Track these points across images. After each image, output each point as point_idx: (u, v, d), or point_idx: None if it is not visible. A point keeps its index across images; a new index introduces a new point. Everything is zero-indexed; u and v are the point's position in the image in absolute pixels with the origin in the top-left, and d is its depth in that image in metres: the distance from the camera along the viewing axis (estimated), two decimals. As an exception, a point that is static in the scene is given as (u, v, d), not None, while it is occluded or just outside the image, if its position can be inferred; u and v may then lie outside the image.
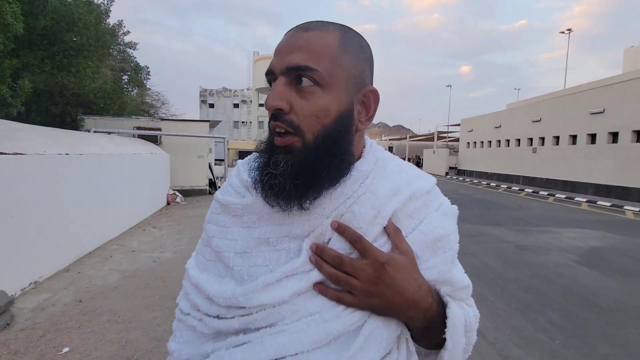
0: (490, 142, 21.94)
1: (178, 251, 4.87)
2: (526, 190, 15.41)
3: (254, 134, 36.21)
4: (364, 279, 0.49)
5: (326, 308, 0.50)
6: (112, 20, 7.74)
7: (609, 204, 11.17)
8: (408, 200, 0.55)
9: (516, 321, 3.13)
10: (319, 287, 0.51)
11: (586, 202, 11.89)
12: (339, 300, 0.50)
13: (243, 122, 44.79)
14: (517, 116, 19.12)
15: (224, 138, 11.68)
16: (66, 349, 2.42)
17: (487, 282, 4.06)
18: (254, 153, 0.58)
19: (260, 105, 37.93)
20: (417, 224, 0.55)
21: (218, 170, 13.44)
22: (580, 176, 14.31)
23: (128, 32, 13.29)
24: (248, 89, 43.71)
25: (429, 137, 37.64)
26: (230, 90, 45.72)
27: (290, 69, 0.49)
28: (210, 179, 11.02)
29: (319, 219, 0.52)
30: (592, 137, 14.02)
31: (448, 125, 31.98)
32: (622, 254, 5.39)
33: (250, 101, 41.14)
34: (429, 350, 0.58)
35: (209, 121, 10.99)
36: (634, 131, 12.11)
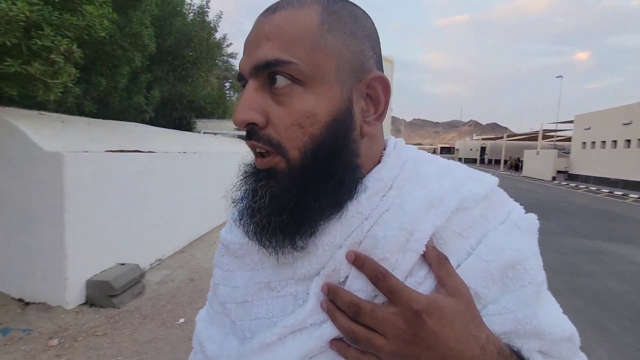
0: (615, 142, 18.23)
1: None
2: (668, 202, 12.37)
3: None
4: (393, 336, 0.35)
5: None
6: (218, 34, 8.86)
7: None
8: (455, 212, 0.39)
9: (655, 364, 2.54)
10: (337, 346, 0.37)
11: None
12: None
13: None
14: (657, 110, 15.47)
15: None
16: (182, 320, 2.84)
17: (610, 311, 3.39)
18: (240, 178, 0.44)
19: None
20: (473, 245, 0.39)
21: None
22: None
23: (230, 44, 15.01)
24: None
25: (531, 137, 33.14)
26: None
27: (258, 68, 0.36)
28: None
29: (328, 252, 0.39)
30: None
31: (557, 123, 27.62)
32: None
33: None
34: None
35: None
36: None
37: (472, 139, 58.01)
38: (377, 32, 0.42)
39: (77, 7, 2.56)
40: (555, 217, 8.49)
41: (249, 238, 0.40)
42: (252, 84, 0.37)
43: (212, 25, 8.10)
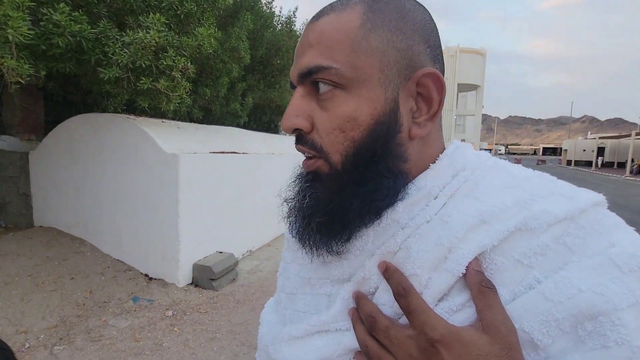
0: None
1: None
2: None
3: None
4: (403, 359, 0.32)
5: None
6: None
7: None
8: (515, 232, 0.32)
9: None
10: (358, 358, 0.36)
11: None
12: None
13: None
14: None
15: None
16: (269, 308, 3.09)
17: None
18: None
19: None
20: (539, 279, 0.31)
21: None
22: None
23: (314, 49, 15.72)
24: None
25: (674, 134, 26.54)
26: None
27: (303, 75, 0.37)
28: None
29: (359, 257, 0.38)
30: None
31: None
32: None
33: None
34: None
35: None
36: None
37: (586, 138, 49.25)
38: (432, 23, 0.39)
39: (191, 30, 3.00)
40: None
41: (293, 236, 0.42)
42: (299, 91, 0.38)
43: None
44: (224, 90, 5.42)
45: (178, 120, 5.06)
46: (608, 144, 41.38)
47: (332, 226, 0.37)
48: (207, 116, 6.16)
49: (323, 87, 0.36)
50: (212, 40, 3.08)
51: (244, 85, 6.66)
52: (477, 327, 0.30)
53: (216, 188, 3.82)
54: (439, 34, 0.41)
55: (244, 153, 4.39)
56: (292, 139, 0.44)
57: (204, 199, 3.58)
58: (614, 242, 0.32)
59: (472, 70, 28.84)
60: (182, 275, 3.31)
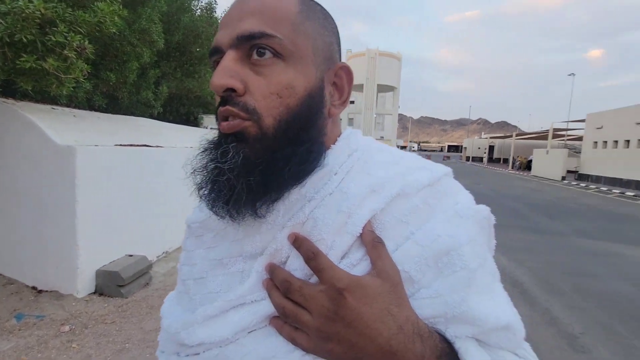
0: (627, 141, 17.89)
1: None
2: (681, 204, 12.12)
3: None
4: (317, 313, 0.36)
5: (282, 353, 0.38)
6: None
7: None
8: (395, 198, 0.40)
9: (659, 365, 2.53)
10: (275, 323, 0.39)
11: None
12: (293, 342, 0.37)
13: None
14: (671, 110, 15.12)
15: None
16: (188, 311, 2.91)
17: (616, 313, 3.37)
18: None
19: (351, 102, 38.30)
20: (412, 231, 0.40)
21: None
22: None
23: (238, 39, 15.09)
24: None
25: (541, 135, 32.63)
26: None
27: (241, 38, 0.38)
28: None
29: (271, 232, 0.41)
30: None
31: (568, 122, 27.18)
32: None
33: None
34: None
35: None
36: None
37: (481, 138, 57.35)
38: (339, 33, 0.47)
39: (89, 4, 2.62)
40: (563, 218, 8.40)
41: (210, 205, 0.41)
42: (231, 54, 0.39)
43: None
44: (132, 76, 4.86)
45: (75, 108, 4.39)
46: (497, 143, 48.82)
47: (266, 185, 0.38)
48: (113, 105, 5.47)
49: (263, 54, 0.38)
50: (116, 18, 2.74)
51: (158, 73, 6.07)
52: (372, 274, 0.37)
53: (125, 185, 3.43)
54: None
55: (157, 146, 4.03)
56: (213, 133, 0.43)
57: (109, 198, 3.19)
58: (458, 200, 0.43)
59: (389, 72, 31.03)
60: (82, 284, 2.91)
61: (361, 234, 0.39)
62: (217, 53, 0.40)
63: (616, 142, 18.85)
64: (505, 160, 41.76)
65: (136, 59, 4.91)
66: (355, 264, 0.38)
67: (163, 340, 0.48)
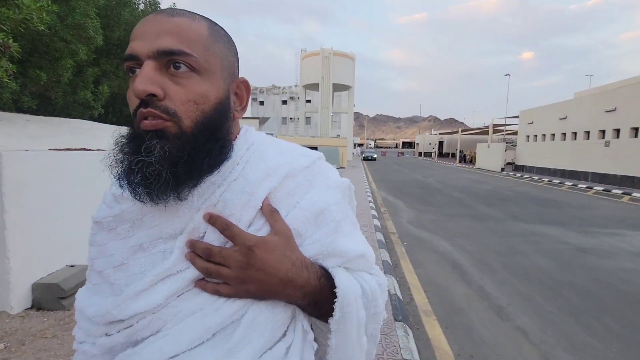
0: (553, 135, 20.06)
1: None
2: (595, 188, 13.91)
3: (301, 130, 36.95)
4: (234, 266, 0.47)
5: (207, 304, 0.47)
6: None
7: (700, 205, 9.68)
8: (284, 179, 0.54)
9: (567, 326, 2.97)
10: (199, 284, 0.48)
11: (670, 202, 10.43)
12: (217, 293, 0.48)
13: (291, 119, 46.16)
14: (586, 106, 17.24)
15: (272, 134, 12.20)
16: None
17: (537, 285, 3.85)
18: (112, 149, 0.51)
19: (308, 101, 38.48)
20: (297, 201, 0.54)
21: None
22: (665, 173, 12.55)
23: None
24: (296, 86, 44.65)
25: (484, 131, 35.36)
26: (279, 88, 47.21)
27: (161, 53, 0.46)
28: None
29: (188, 214, 0.50)
30: (681, 129, 12.18)
31: (505, 118, 29.77)
32: None
33: (298, 97, 41.95)
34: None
35: (258, 118, 11.53)
36: None
37: (431, 134, 60.58)
38: (237, 53, 0.58)
39: (13, 0, 2.43)
40: (499, 205, 9.26)
41: (134, 192, 0.47)
42: (150, 64, 0.46)
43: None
44: (67, 75, 4.54)
45: (-1, 109, 4.01)
46: (445, 138, 51.92)
47: (185, 175, 0.47)
48: (45, 106, 5.05)
49: (181, 68, 0.46)
50: (44, 14, 2.57)
51: (97, 71, 5.70)
52: (272, 233, 0.50)
53: (63, 192, 3.23)
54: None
55: (98, 150, 3.82)
56: (124, 130, 0.51)
57: (44, 206, 2.98)
58: (328, 176, 0.59)
59: (344, 72, 31.67)
60: (17, 300, 2.71)
61: (261, 207, 0.51)
62: (132, 60, 0.47)
63: (544, 135, 21.05)
64: (454, 155, 44.56)
65: (71, 56, 4.59)
66: (259, 229, 0.51)
67: (83, 331, 0.53)
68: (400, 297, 3.32)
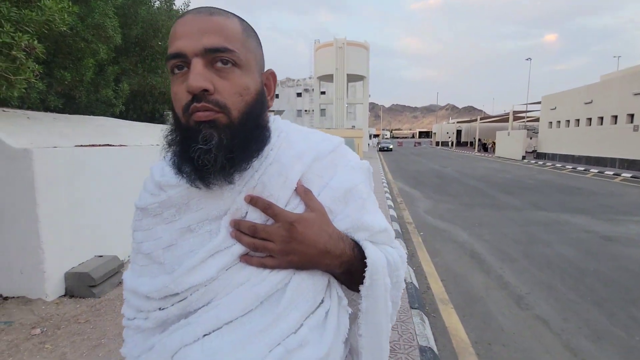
0: (578, 120, 19.23)
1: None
2: (623, 174, 13.30)
3: (316, 122, 36.91)
4: (279, 240, 0.53)
5: (254, 275, 0.53)
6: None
7: None
8: (313, 161, 0.60)
9: (590, 314, 2.90)
10: (244, 258, 0.54)
11: None
12: (263, 265, 0.53)
13: (306, 111, 46.02)
14: (614, 89, 16.39)
15: (286, 127, 12.18)
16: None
17: (558, 273, 3.77)
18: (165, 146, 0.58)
19: (322, 93, 38.24)
20: (327, 181, 0.60)
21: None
22: (700, 158, 11.84)
23: (201, 32, 14.54)
24: (310, 78, 44.44)
25: (504, 118, 34.26)
26: (294, 80, 47.11)
27: (208, 51, 0.50)
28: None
29: (231, 197, 0.55)
30: None
31: (527, 104, 28.70)
32: None
33: (312, 89, 41.79)
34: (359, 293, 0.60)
35: (273, 111, 11.58)
36: None
37: (449, 123, 59.19)
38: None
39: (35, 2, 2.54)
40: (520, 194, 9.02)
41: (190, 179, 0.53)
42: (199, 62, 0.50)
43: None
44: (89, 74, 4.70)
45: (28, 109, 4.21)
46: (464, 127, 50.64)
47: (237, 160, 0.52)
48: (70, 105, 5.26)
49: (225, 63, 0.51)
50: (65, 15, 2.68)
51: (117, 69, 5.87)
52: (308, 211, 0.56)
53: (90, 186, 3.39)
54: None
55: (121, 145, 3.97)
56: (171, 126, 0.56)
57: (73, 199, 3.14)
58: (350, 159, 0.65)
59: (358, 62, 31.22)
60: (51, 288, 2.89)
61: (296, 188, 0.57)
62: (178, 58, 0.51)
63: (568, 121, 20.20)
64: (472, 144, 43.45)
65: (92, 56, 4.74)
66: (295, 208, 0.56)
67: (133, 308, 0.59)
68: (417, 286, 3.33)
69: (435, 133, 58.20)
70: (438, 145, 53.09)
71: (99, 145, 3.65)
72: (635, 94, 14.80)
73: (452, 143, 47.29)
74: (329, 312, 0.55)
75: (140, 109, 7.41)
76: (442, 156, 27.01)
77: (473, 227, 5.70)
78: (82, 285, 3.02)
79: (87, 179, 3.37)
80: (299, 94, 46.74)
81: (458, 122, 52.90)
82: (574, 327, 2.71)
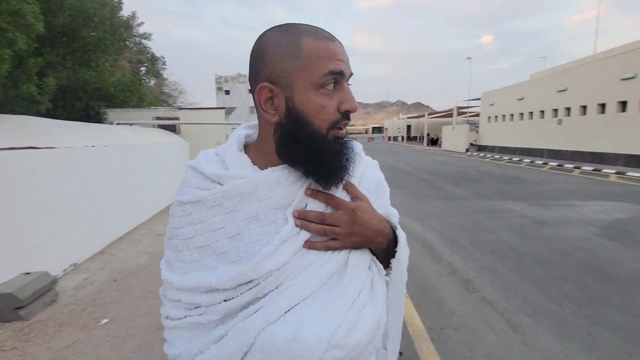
0: (512, 115, 21.11)
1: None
2: (550, 163, 14.88)
3: (270, 119, 36.11)
4: (344, 225, 0.62)
5: (318, 257, 0.60)
6: (125, 12, 7.90)
7: (639, 174, 10.65)
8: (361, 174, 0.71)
9: (527, 293, 3.18)
10: (309, 244, 0.60)
11: (615, 173, 11.39)
12: (328, 248, 0.61)
13: (259, 107, 44.89)
14: (541, 86, 18.22)
15: (239, 124, 11.78)
16: (105, 320, 2.71)
17: (501, 257, 4.09)
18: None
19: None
20: (360, 177, 0.70)
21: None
22: (609, 147, 13.65)
23: (142, 22, 13.45)
24: (262, 74, 43.51)
25: (449, 114, 36.50)
26: (245, 76, 45.74)
27: (350, 76, 0.62)
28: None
29: (296, 190, 0.62)
30: (623, 105, 13.24)
31: (468, 100, 30.87)
32: (647, 226, 5.23)
33: (265, 86, 41.07)
34: (385, 266, 0.73)
35: (224, 108, 11.17)
36: (670, 96, 11.34)
37: (399, 118, 61.71)
38: None
39: None
40: (465, 185, 9.67)
41: (325, 182, 0.61)
42: (347, 85, 0.61)
43: (114, 1, 7.24)
44: (6, 67, 4.12)
45: None
46: (413, 122, 53.13)
47: (354, 162, 0.64)
48: (-17, 101, 4.58)
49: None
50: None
51: (40, 62, 5.21)
52: (359, 200, 0.65)
53: (10, 195, 2.97)
54: None
55: (48, 148, 3.54)
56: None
57: (-12, 211, 2.74)
58: (366, 160, 0.76)
59: (311, 58, 31.16)
60: (-35, 314, 2.49)
61: (345, 183, 0.65)
62: (339, 74, 0.58)
63: (504, 116, 22.10)
64: (422, 138, 45.80)
65: (8, 46, 4.15)
66: (345, 198, 0.65)
67: (183, 307, 0.60)
68: (374, 279, 3.41)
69: (387, 128, 60.41)
70: (390, 140, 55.20)
71: (20, 147, 3.21)
72: (559, 91, 16.58)
73: (403, 138, 49.45)
74: (373, 281, 0.65)
75: (71, 106, 6.67)
76: (395, 151, 28.12)
77: (425, 218, 5.99)
78: (6, 308, 2.65)
79: (7, 187, 2.95)
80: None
81: (408, 118, 55.34)
82: (514, 306, 2.95)
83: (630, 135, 12.66)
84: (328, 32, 0.60)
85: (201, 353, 0.57)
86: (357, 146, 0.72)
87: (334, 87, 0.58)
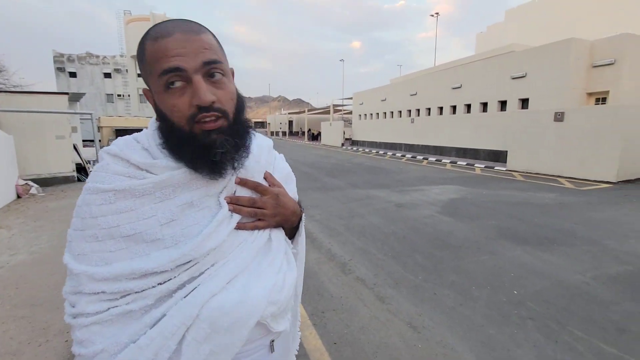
0: (377, 114, 24.14)
1: (35, 251, 4.05)
2: (407, 156, 17.68)
3: (134, 109, 31.51)
4: (270, 207, 0.74)
5: (247, 235, 0.71)
6: None
7: (464, 163, 13.72)
8: (268, 152, 0.81)
9: (391, 267, 3.66)
10: (239, 225, 0.70)
11: (450, 163, 14.35)
12: (256, 227, 0.72)
13: (119, 96, 38.15)
14: (398, 90, 21.37)
15: (90, 114, 9.78)
16: None
17: (370, 239, 4.60)
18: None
19: (139, 75, 33.07)
20: (273, 167, 0.82)
21: (88, 152, 11.44)
22: (446, 141, 17.09)
23: None
24: (122, 56, 37.38)
25: (326, 111, 39.16)
26: (98, 57, 38.04)
27: (205, 64, 0.60)
28: (78, 164, 9.29)
29: (226, 179, 0.69)
30: (454, 108, 16.75)
31: (342, 99, 33.77)
32: (469, 203, 6.75)
33: (127, 70, 35.43)
34: (292, 240, 0.86)
35: (67, 94, 9.08)
36: (481, 103, 14.94)
37: (281, 114, 62.88)
38: None
39: None
40: (341, 176, 10.56)
41: (208, 173, 0.64)
42: (200, 77, 0.60)
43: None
44: None
45: None
46: (295, 118, 54.97)
47: (239, 155, 0.66)
48: None
49: (218, 75, 0.63)
50: None
51: None
52: (278, 187, 0.78)
53: None
54: None
55: None
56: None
57: None
58: (275, 153, 0.86)
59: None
60: None
61: (265, 174, 0.77)
62: (177, 72, 0.59)
63: (371, 114, 25.08)
64: (303, 133, 47.87)
65: None
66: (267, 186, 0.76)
67: (107, 299, 0.59)
68: (258, 275, 3.34)
69: (269, 123, 60.76)
70: (273, 134, 55.79)
71: None
72: (411, 95, 19.77)
73: (285, 133, 50.67)
74: (287, 252, 0.78)
75: None
76: (278, 145, 28.43)
77: (306, 209, 6.21)
78: None
79: None
80: (107, 75, 37.84)
81: (290, 114, 56.93)
82: (381, 280, 3.35)
83: (460, 132, 16.15)
84: (172, 26, 0.61)
85: (133, 342, 0.57)
86: (267, 141, 0.82)
87: (176, 84, 0.59)
